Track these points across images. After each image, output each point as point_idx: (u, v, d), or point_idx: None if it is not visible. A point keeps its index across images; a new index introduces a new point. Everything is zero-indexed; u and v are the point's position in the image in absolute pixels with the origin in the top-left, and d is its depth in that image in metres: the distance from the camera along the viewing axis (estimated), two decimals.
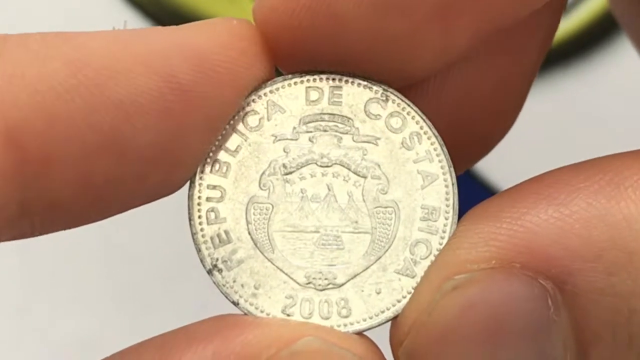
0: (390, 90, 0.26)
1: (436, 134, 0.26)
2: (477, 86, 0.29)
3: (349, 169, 0.26)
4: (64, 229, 0.25)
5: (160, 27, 0.25)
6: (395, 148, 0.26)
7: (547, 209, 0.24)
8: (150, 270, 0.48)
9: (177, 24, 0.26)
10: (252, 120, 0.26)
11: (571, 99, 0.51)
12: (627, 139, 0.27)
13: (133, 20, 0.51)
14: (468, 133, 0.30)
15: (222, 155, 0.26)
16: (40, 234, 0.25)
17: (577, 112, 0.51)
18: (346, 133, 0.26)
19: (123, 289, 0.48)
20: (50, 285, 0.48)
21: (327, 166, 0.26)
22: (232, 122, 0.26)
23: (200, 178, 0.26)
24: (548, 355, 0.24)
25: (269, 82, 0.26)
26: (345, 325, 0.25)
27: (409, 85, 0.27)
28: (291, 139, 0.26)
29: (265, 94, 0.26)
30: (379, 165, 0.26)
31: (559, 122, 0.50)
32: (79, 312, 0.47)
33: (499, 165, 0.32)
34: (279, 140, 0.26)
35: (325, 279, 0.26)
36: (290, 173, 0.26)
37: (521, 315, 0.24)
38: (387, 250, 0.26)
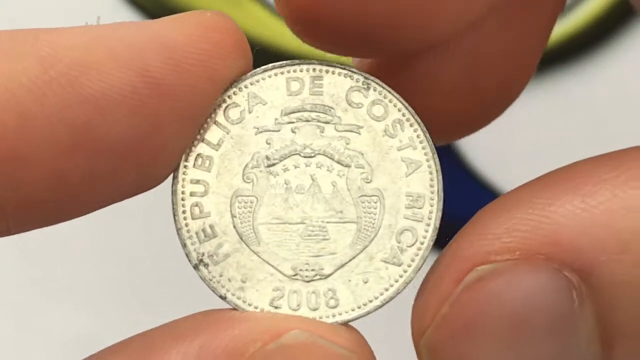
0: (371, 78, 0.26)
1: (419, 120, 0.26)
2: (492, 45, 0.29)
3: (332, 159, 0.26)
4: (41, 227, 0.25)
5: (132, 22, 0.25)
6: (378, 136, 0.26)
7: (573, 200, 0.24)
8: (145, 267, 0.48)
9: None
10: (233, 113, 0.26)
11: (571, 99, 0.51)
12: (627, 139, 0.26)
13: (130, 19, 0.51)
14: (479, 95, 0.29)
15: (204, 149, 0.26)
16: (16, 232, 0.24)
17: (577, 112, 0.51)
18: (328, 123, 0.26)
19: (118, 288, 0.48)
20: (46, 284, 0.48)
21: (310, 157, 0.26)
22: (213, 115, 0.26)
23: (183, 173, 0.26)
24: (572, 348, 0.24)
25: (249, 74, 0.26)
26: (333, 315, 0.25)
27: (429, 50, 0.27)
28: (273, 131, 0.26)
29: (245, 86, 0.26)
30: (362, 154, 0.26)
31: (557, 121, 0.50)
32: (75, 311, 0.47)
33: (498, 164, 0.32)
34: (261, 132, 0.26)
35: (312, 270, 0.26)
36: (274, 165, 0.26)
37: (545, 308, 0.23)
38: (373, 239, 0.26)
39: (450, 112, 0.26)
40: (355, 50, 0.28)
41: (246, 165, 0.26)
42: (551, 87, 0.51)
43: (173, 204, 0.26)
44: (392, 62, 0.29)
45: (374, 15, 0.26)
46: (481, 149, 0.32)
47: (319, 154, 0.26)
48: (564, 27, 0.52)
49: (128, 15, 0.52)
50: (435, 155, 0.26)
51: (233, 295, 0.25)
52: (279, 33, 0.47)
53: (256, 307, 0.25)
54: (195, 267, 0.26)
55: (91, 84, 0.23)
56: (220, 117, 0.26)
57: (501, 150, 0.31)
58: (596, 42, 0.52)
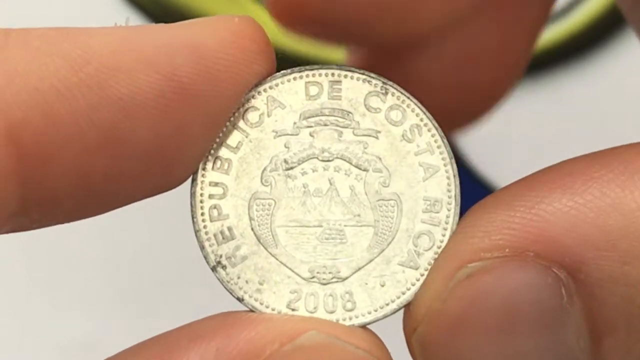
0: (390, 83, 0.26)
1: (436, 125, 0.26)
2: (479, 44, 0.29)
3: (350, 163, 0.26)
4: (62, 222, 0.25)
5: (161, 24, 0.25)
6: (395, 141, 0.26)
7: (561, 198, 0.24)
8: (152, 269, 0.48)
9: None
10: (252, 116, 0.26)
11: (571, 99, 0.51)
12: (627, 139, 0.27)
13: (133, 19, 0.51)
14: (470, 91, 0.30)
15: (223, 152, 0.26)
16: (38, 227, 0.25)
17: (577, 112, 0.51)
18: (346, 127, 0.26)
19: (125, 288, 0.48)
20: (50, 285, 0.48)
21: (328, 160, 0.26)
22: (232, 118, 0.26)
23: (202, 175, 0.26)
24: (561, 344, 0.24)
25: (269, 78, 0.26)
26: (350, 318, 0.25)
27: (412, 45, 0.27)
28: (292, 134, 0.26)
29: (264, 90, 0.26)
30: (380, 159, 0.26)
31: (558, 122, 0.50)
32: (80, 312, 0.47)
33: (498, 165, 0.32)
34: (280, 135, 0.26)
35: (329, 272, 0.26)
36: (292, 168, 0.26)
37: (534, 304, 0.24)
38: (390, 242, 0.26)
39: (437, 108, 0.26)
40: (337, 39, 0.28)
41: (265, 169, 0.26)
42: (552, 88, 0.51)
43: (192, 206, 0.26)
44: (379, 58, 0.30)
45: (356, 5, 0.26)
46: (481, 149, 0.33)
47: (337, 158, 0.26)
48: (564, 27, 0.52)
49: (128, 15, 0.52)
50: (453, 160, 0.26)
51: (250, 297, 0.26)
52: (279, 33, 0.47)
53: (273, 309, 0.25)
54: (213, 269, 0.26)
55: (119, 86, 0.23)
56: (239, 120, 0.26)
57: (502, 151, 0.31)
58: (595, 43, 0.52)
